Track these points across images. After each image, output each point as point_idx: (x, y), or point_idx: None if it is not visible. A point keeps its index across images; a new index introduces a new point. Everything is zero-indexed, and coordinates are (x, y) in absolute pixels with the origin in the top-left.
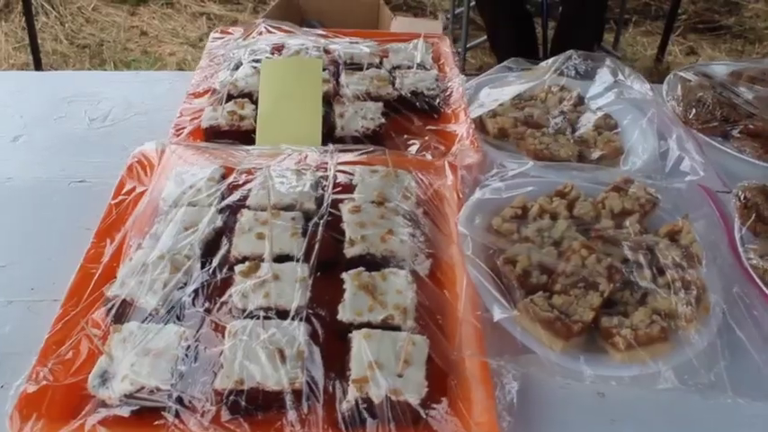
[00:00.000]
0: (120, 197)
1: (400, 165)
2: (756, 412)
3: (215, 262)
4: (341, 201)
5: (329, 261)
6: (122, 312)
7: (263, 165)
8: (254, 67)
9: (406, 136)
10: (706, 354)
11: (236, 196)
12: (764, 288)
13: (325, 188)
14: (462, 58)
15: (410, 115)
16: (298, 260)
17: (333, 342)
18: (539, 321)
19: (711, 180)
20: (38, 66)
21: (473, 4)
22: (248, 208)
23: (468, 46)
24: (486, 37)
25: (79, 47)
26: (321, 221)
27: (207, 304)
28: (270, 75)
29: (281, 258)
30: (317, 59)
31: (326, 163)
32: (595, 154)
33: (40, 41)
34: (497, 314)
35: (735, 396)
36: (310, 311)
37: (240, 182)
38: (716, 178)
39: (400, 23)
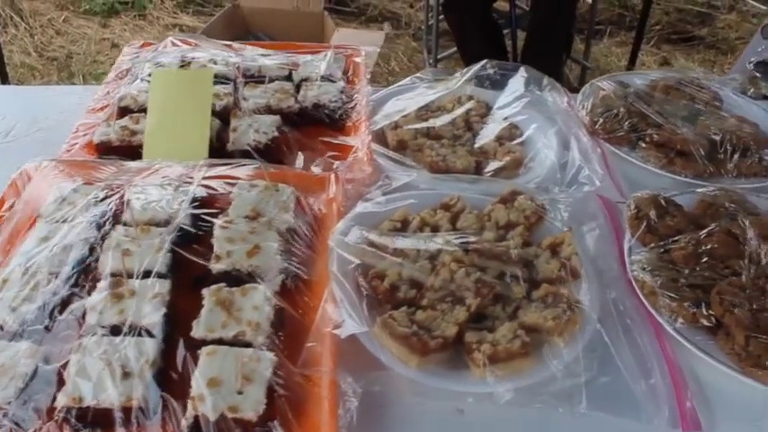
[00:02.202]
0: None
1: (283, 179)
2: (624, 428)
3: (78, 278)
4: (216, 216)
5: (200, 277)
6: None
7: (136, 180)
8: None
9: (303, 150)
10: (570, 369)
11: (106, 212)
12: (644, 300)
13: (198, 203)
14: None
15: (312, 128)
16: (162, 276)
17: (187, 359)
18: (394, 337)
19: (609, 190)
20: (4, 79)
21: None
22: (118, 224)
23: (439, 57)
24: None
25: (48, 59)
26: (191, 237)
27: (61, 320)
28: (159, 86)
29: (147, 274)
30: (207, 71)
31: (206, 178)
32: (494, 165)
33: (8, 54)
34: (347, 329)
35: (595, 411)
36: (166, 328)
37: (112, 197)
38: (614, 188)
39: (342, 35)
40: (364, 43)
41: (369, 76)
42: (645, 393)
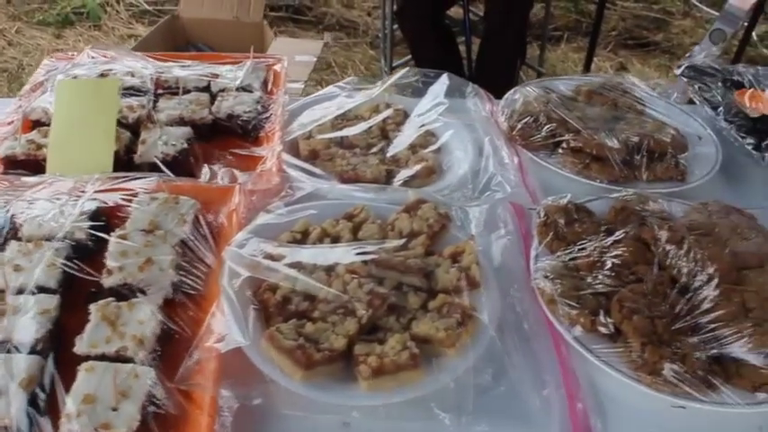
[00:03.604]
0: None
1: (184, 191)
2: None
3: None
4: (113, 229)
5: (94, 292)
6: None
7: (26, 195)
8: None
9: (214, 161)
10: (460, 381)
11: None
12: (545, 308)
13: (99, 217)
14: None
15: (225, 140)
16: (51, 292)
17: (71, 375)
18: (280, 350)
19: (524, 197)
20: None
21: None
22: (15, 239)
23: (395, 65)
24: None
25: None
26: (89, 251)
27: None
28: (64, 98)
29: (42, 290)
30: (112, 80)
31: (99, 191)
32: (405, 173)
33: None
34: (229, 343)
35: (483, 424)
36: (50, 345)
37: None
38: (526, 195)
39: (281, 44)
40: (301, 52)
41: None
42: (537, 405)
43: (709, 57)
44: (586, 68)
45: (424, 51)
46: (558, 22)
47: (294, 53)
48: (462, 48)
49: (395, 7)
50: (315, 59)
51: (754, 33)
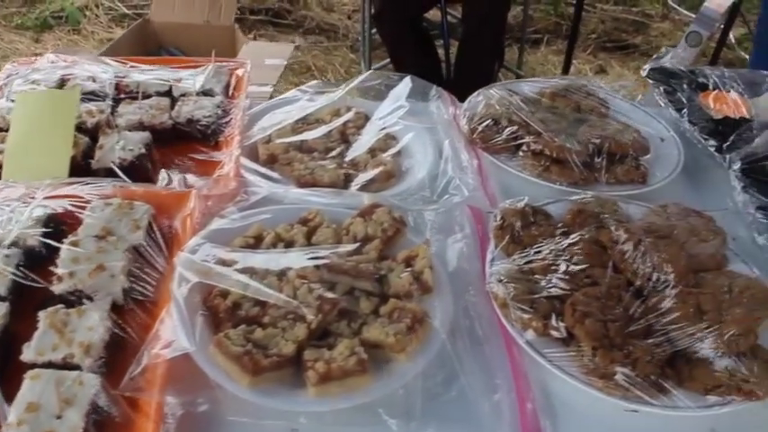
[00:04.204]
0: None
1: (140, 197)
2: None
3: None
4: (66, 236)
5: (45, 299)
6: None
7: None
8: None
9: (172, 166)
10: (409, 386)
11: None
12: (499, 313)
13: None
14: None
15: (185, 144)
16: (3, 300)
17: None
18: (227, 356)
19: (480, 200)
20: None
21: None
22: None
23: (373, 68)
24: None
25: None
26: (42, 258)
27: None
28: (23, 108)
29: None
30: (72, 91)
31: (52, 197)
32: (363, 177)
33: None
34: (176, 350)
35: (431, 428)
36: None
37: None
38: (485, 198)
39: (252, 48)
40: (271, 56)
41: (280, 86)
42: (487, 409)
43: (676, 59)
44: (565, 71)
45: (402, 54)
46: (537, 24)
47: (264, 57)
48: (441, 50)
49: (373, 10)
50: (285, 63)
51: (731, 36)
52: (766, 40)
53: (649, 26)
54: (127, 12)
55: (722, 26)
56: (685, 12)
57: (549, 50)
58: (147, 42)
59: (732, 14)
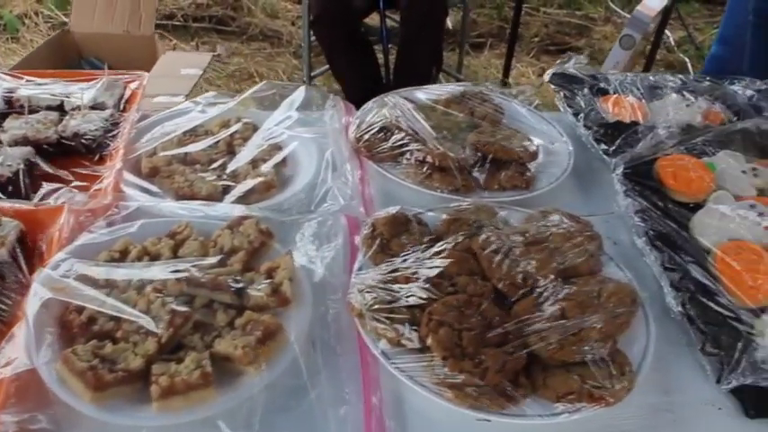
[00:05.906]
0: None
1: (8, 213)
2: None
3: None
4: None
5: None
6: None
7: None
8: None
9: (54, 181)
10: (254, 400)
11: None
12: (357, 323)
13: None
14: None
15: (70, 159)
16: None
17: None
18: (73, 372)
19: (356, 209)
20: None
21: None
22: None
23: (314, 74)
24: None
25: None
26: None
27: None
28: None
29: None
30: None
31: None
32: (241, 189)
33: None
34: (17, 367)
35: None
36: None
37: None
38: (361, 207)
39: (169, 57)
40: (189, 66)
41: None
42: (333, 423)
43: (577, 65)
44: (505, 74)
45: (339, 60)
46: (481, 28)
47: (182, 66)
48: (381, 55)
49: (311, 17)
50: (200, 73)
51: (671, 39)
52: (732, 36)
53: (592, 29)
54: (66, 20)
55: (655, 29)
56: (627, 15)
57: (493, 54)
58: (67, 53)
59: (665, 17)
